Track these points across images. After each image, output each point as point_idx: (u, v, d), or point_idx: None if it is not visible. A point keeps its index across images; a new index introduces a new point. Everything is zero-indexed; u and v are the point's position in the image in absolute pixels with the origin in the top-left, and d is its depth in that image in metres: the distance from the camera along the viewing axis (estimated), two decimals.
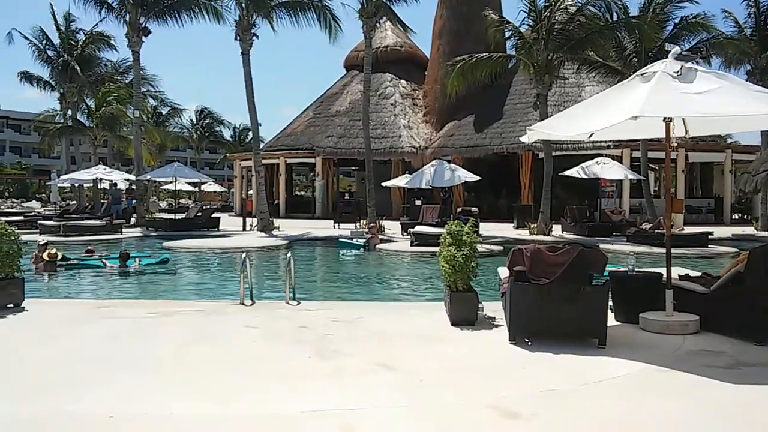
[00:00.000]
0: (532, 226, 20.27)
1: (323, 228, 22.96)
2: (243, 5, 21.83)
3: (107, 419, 3.75)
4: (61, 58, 32.21)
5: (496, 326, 6.38)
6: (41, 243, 12.94)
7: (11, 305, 7.07)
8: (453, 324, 6.39)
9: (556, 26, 19.49)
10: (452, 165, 21.94)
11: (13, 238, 7.17)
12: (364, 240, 17.61)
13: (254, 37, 22.17)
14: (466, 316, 6.42)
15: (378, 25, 24.56)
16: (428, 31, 35.00)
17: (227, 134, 60.48)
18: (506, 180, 29.11)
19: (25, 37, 31.57)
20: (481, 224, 18.32)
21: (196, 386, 4.45)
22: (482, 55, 20.84)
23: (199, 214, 23.84)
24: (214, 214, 24.15)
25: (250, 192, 31.93)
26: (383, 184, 24.93)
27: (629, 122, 5.46)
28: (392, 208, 29.87)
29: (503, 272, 7.21)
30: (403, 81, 34.98)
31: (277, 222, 23.15)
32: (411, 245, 16.56)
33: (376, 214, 21.79)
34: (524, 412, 3.97)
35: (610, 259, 6.81)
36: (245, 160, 35.92)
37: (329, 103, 35.75)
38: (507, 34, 21.73)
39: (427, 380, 4.64)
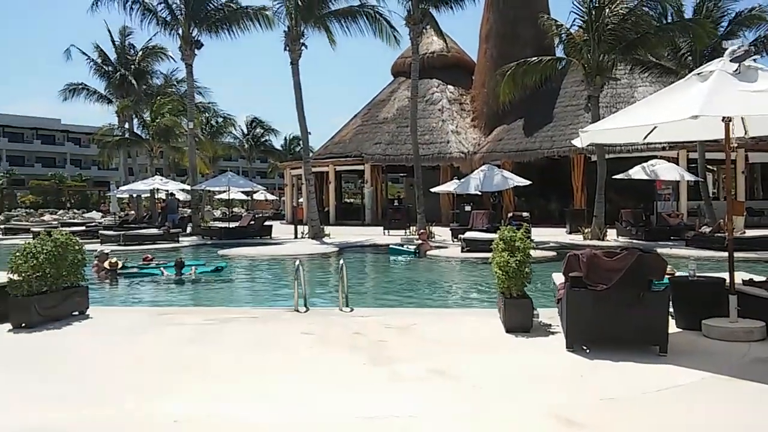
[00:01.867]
0: (585, 230, 19.88)
1: (373, 235, 23.06)
2: (292, 15, 22.20)
3: (172, 423, 3.87)
4: (118, 73, 33.39)
5: (553, 333, 6.30)
6: (103, 252, 13.43)
7: (77, 313, 7.34)
8: (508, 331, 6.33)
9: (608, 27, 19.12)
10: (502, 170, 21.76)
11: (77, 248, 7.44)
12: (415, 246, 17.61)
13: (303, 47, 22.51)
14: (521, 322, 6.36)
15: (424, 31, 24.60)
16: (475, 35, 34.86)
17: (277, 143, 61.53)
18: (557, 184, 28.64)
19: (83, 53, 32.88)
20: (533, 229, 18.02)
21: (257, 391, 4.55)
22: (532, 59, 20.58)
23: (252, 222, 24.28)
24: (266, 222, 24.56)
25: (300, 200, 32.36)
26: (432, 190, 24.89)
27: (684, 124, 5.33)
28: (441, 214, 29.77)
29: (558, 278, 7.10)
30: (450, 86, 34.89)
31: (327, 229, 23.38)
32: (462, 251, 16.47)
33: (425, 220, 21.76)
34: (584, 421, 3.91)
35: (670, 264, 6.64)
36: (295, 168, 36.42)
37: (377, 110, 35.93)
38: (558, 38, 21.44)
39: (483, 387, 4.61)
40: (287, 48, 22.40)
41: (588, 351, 5.52)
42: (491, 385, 4.68)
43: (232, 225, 25.17)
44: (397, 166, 33.81)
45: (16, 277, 6.59)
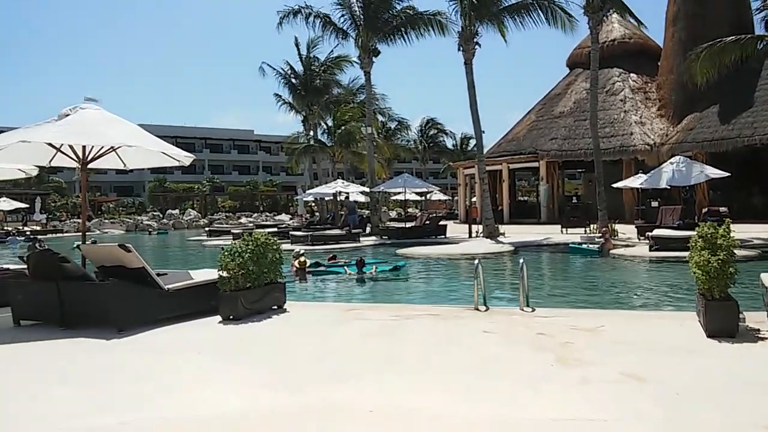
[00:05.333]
0: None
1: (550, 233, 22.42)
2: (466, 15, 22.28)
3: (367, 413, 4.07)
4: (304, 85, 35.84)
5: (762, 339, 5.69)
6: (298, 252, 14.49)
7: (275, 307, 7.98)
8: (709, 335, 5.82)
9: None
10: (694, 161, 20.03)
11: (275, 247, 8.08)
12: (597, 245, 16.82)
13: (476, 46, 22.50)
14: (724, 326, 5.81)
15: (605, 19, 23.41)
16: (659, 19, 32.49)
17: (450, 144, 62.06)
18: (761, 175, 25.74)
19: (274, 69, 35.73)
20: (732, 225, 16.41)
21: (444, 386, 4.63)
22: (729, 38, 18.67)
23: (428, 222, 24.75)
24: (441, 222, 24.89)
25: (474, 199, 32.37)
26: (614, 185, 23.63)
27: None
28: (624, 210, 28.11)
29: None
30: (632, 75, 32.85)
31: (501, 228, 23.14)
32: (650, 250, 15.44)
33: (607, 217, 20.70)
34: None
35: None
36: (468, 168, 36.48)
37: (552, 105, 34.86)
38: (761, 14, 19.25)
39: (683, 394, 4.29)
40: (461, 48, 22.53)
41: None
42: (690, 391, 4.33)
43: (409, 225, 25.85)
44: (575, 162, 32.51)
45: (225, 274, 7.32)
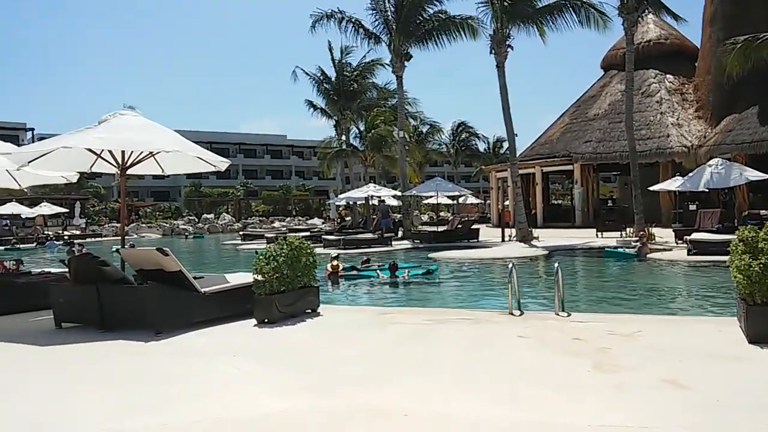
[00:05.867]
0: None
1: (584, 237, 22.13)
2: (498, 18, 22.17)
3: (402, 417, 4.07)
4: (336, 89, 36.07)
5: None
6: (335, 256, 14.57)
7: (309, 310, 8.02)
8: (751, 341, 5.68)
9: None
10: (733, 163, 19.57)
11: (309, 251, 8.13)
12: (634, 249, 16.55)
13: (509, 49, 22.37)
14: (767, 332, 5.66)
15: (640, 20, 23.06)
16: (696, 19, 31.87)
17: (482, 147, 61.75)
18: None
19: (307, 74, 36.03)
20: None
21: (479, 390, 4.61)
22: (764, 34, 18.18)
23: (460, 225, 24.65)
24: (473, 226, 24.76)
25: (506, 203, 32.14)
26: (650, 188, 23.22)
27: None
28: (661, 214, 27.60)
29: None
30: (669, 76, 32.28)
31: (535, 232, 22.92)
32: (688, 254, 15.15)
33: (644, 221, 20.35)
34: None
35: None
36: (500, 171, 36.24)
37: (586, 107, 34.45)
38: None
39: (724, 402, 4.19)
40: (492, 51, 22.42)
41: None
42: (732, 399, 4.23)
43: (441, 229, 25.77)
44: (610, 165, 32.04)
45: (260, 277, 7.40)
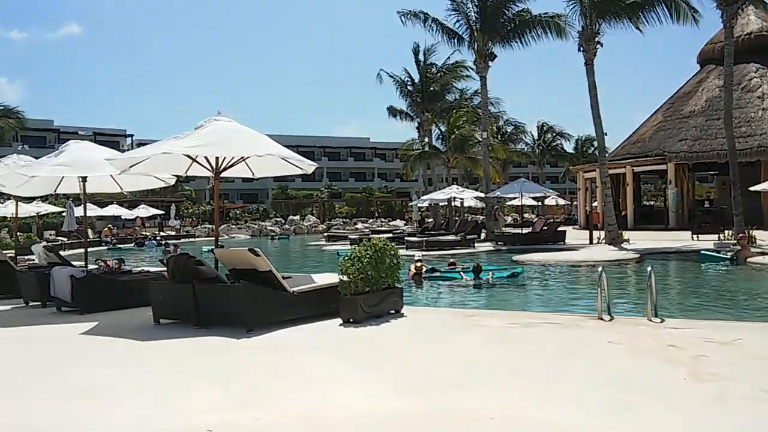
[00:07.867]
0: None
1: (679, 240, 21.17)
2: (586, 14, 21.56)
3: (489, 420, 4.05)
4: (420, 91, 36.16)
5: None
6: (417, 258, 14.64)
7: (393, 311, 8.09)
8: None
9: None
10: None
11: (392, 252, 8.20)
12: (732, 252, 15.66)
13: (598, 46, 21.71)
14: None
15: (740, 11, 21.81)
16: None
17: (568, 147, 60.21)
18: None
19: (391, 76, 36.33)
20: None
21: (569, 397, 4.51)
22: None
23: (545, 228, 24.13)
24: (560, 228, 24.17)
25: (594, 204, 31.15)
26: (751, 188, 21.90)
27: None
28: (763, 216, 25.95)
29: None
30: None
31: (625, 234, 22.11)
32: None
33: (744, 223, 19.22)
34: None
35: None
36: (588, 171, 35.19)
37: (681, 104, 32.88)
38: None
39: None
40: (581, 48, 21.84)
41: None
42: None
43: (525, 231, 25.31)
44: (706, 164, 30.43)
45: (345, 278, 7.55)
